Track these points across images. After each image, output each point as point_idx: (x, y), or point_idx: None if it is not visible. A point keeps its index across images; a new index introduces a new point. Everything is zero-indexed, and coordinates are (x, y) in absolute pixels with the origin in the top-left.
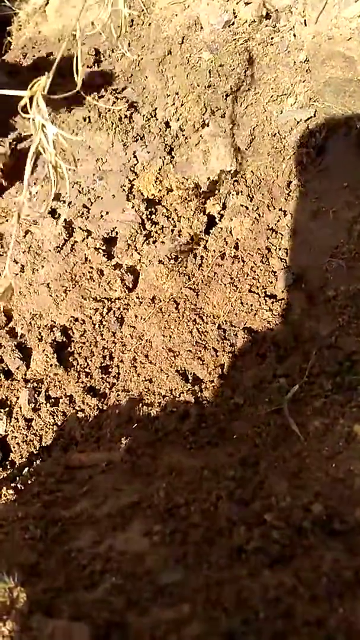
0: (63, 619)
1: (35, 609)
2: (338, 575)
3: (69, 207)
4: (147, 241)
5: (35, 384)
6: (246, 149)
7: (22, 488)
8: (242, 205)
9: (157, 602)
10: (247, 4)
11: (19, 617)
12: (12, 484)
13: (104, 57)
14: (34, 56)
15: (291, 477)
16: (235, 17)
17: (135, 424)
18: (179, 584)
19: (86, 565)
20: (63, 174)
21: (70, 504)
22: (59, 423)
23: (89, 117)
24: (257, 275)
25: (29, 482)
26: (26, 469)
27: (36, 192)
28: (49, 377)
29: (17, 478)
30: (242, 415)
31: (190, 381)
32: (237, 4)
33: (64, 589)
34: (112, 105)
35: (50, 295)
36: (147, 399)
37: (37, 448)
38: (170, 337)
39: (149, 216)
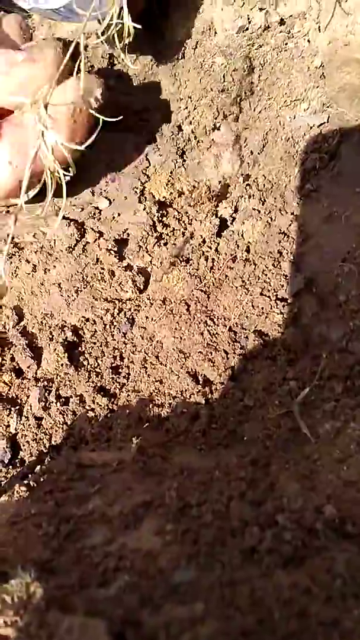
0: (78, 615)
1: (52, 605)
2: (352, 576)
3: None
4: (158, 243)
5: (45, 383)
6: (258, 153)
7: (35, 485)
8: (254, 209)
9: (171, 600)
10: (261, 9)
11: (36, 612)
12: (25, 481)
13: (117, 60)
14: None
15: (302, 479)
16: (250, 22)
17: (146, 425)
18: (192, 582)
19: (99, 563)
20: (60, 180)
21: (82, 502)
22: (69, 422)
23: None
24: (269, 278)
25: (41, 479)
26: (38, 467)
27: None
28: (60, 376)
29: (30, 475)
30: (253, 417)
31: (200, 383)
32: (251, 9)
33: (77, 585)
34: (125, 107)
35: (62, 295)
36: (158, 399)
37: (47, 447)
38: (181, 338)
39: (160, 218)
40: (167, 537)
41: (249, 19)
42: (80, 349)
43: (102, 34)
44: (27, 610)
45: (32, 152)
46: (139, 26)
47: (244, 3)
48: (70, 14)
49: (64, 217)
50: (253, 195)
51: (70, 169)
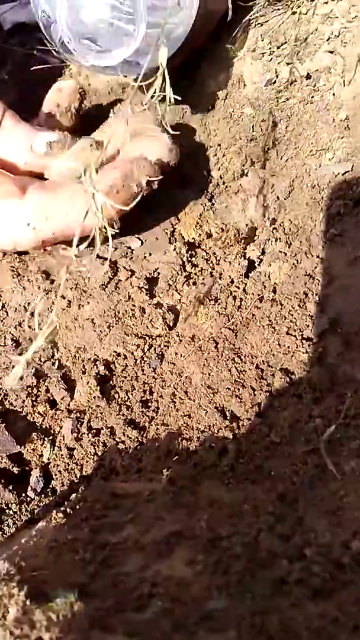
0: (118, 635)
1: (94, 625)
2: None
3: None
4: (187, 282)
5: (78, 415)
6: (285, 199)
7: (71, 512)
8: (280, 252)
9: (203, 627)
10: (288, 64)
11: (80, 630)
12: (62, 508)
13: (149, 111)
14: (85, 108)
15: (329, 515)
16: (277, 76)
17: (175, 458)
18: (224, 610)
19: (134, 589)
20: (107, 236)
21: (116, 530)
22: (100, 453)
23: None
24: (295, 318)
25: (77, 507)
26: (73, 495)
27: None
28: (92, 408)
29: (66, 503)
30: (279, 454)
31: (228, 418)
32: (278, 64)
33: (113, 609)
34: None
35: (95, 331)
36: (186, 433)
37: (78, 477)
38: (209, 374)
39: (189, 258)
40: (198, 567)
41: (276, 72)
42: (111, 382)
43: (145, 102)
44: (71, 629)
45: (82, 212)
46: (179, 98)
47: (271, 58)
48: (125, 69)
49: (97, 257)
50: (279, 238)
51: (114, 225)
